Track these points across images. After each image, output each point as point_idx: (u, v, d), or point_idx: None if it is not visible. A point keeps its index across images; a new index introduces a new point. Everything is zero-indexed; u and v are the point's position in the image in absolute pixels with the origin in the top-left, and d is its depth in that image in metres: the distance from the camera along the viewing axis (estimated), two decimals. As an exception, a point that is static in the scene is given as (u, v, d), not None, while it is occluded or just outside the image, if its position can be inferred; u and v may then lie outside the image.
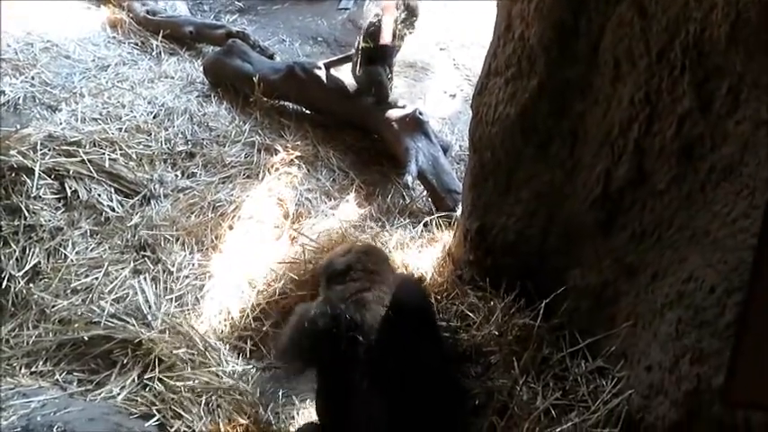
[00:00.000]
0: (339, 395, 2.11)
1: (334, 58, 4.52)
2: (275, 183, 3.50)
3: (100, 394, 2.42)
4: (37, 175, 3.07)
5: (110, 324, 2.64)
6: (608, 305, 2.02)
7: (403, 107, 3.90)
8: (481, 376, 2.22)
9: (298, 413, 2.51)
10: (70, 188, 3.15)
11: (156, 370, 2.47)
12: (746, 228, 1.50)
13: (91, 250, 3.00)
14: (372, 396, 2.02)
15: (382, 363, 2.03)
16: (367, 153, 3.99)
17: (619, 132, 1.88)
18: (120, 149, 3.44)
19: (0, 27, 4.24)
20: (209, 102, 4.12)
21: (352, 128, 4.09)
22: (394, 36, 3.96)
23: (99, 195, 3.20)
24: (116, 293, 2.81)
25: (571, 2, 1.96)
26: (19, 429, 2.09)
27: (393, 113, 3.83)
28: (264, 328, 2.80)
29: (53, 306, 2.71)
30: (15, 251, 2.87)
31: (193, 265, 3.02)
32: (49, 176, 3.14)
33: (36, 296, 2.74)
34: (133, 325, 2.64)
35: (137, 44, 4.74)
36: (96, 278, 2.86)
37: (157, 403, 2.36)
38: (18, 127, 3.44)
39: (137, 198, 3.29)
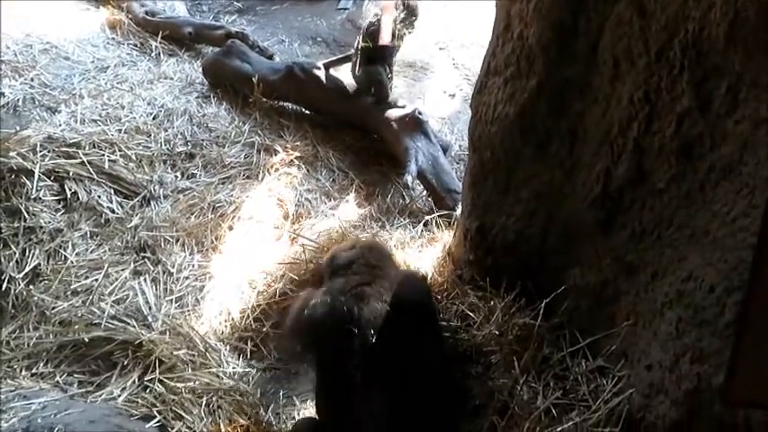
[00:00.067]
0: (337, 388, 2.12)
1: (334, 58, 4.52)
2: (275, 183, 3.50)
3: (100, 396, 2.42)
4: (36, 176, 3.07)
5: (110, 325, 2.64)
6: (608, 304, 2.02)
7: (403, 107, 3.90)
8: (482, 376, 2.22)
9: (298, 414, 2.51)
10: (70, 190, 3.15)
11: (157, 371, 2.47)
12: (746, 227, 1.50)
13: (91, 252, 3.01)
14: (371, 391, 2.03)
15: (382, 358, 2.04)
16: (366, 153, 3.99)
17: (618, 131, 1.88)
18: (120, 151, 3.44)
19: (0, 28, 4.24)
20: (209, 102, 4.12)
21: (351, 128, 4.09)
22: (393, 36, 3.96)
23: (99, 197, 3.20)
24: (116, 295, 2.81)
25: (570, 1, 1.96)
26: (19, 431, 2.09)
27: (392, 113, 3.83)
28: (265, 329, 2.80)
29: (53, 308, 2.71)
30: (15, 253, 2.87)
31: (193, 266, 3.03)
32: (49, 178, 3.14)
33: (36, 298, 2.74)
34: (133, 326, 2.64)
35: (136, 45, 4.74)
36: (96, 280, 2.86)
37: (158, 405, 2.36)
38: (17, 129, 3.45)
39: (136, 199, 3.29)
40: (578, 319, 2.12)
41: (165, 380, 2.45)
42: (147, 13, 4.90)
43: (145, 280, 2.91)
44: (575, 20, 1.97)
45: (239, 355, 2.68)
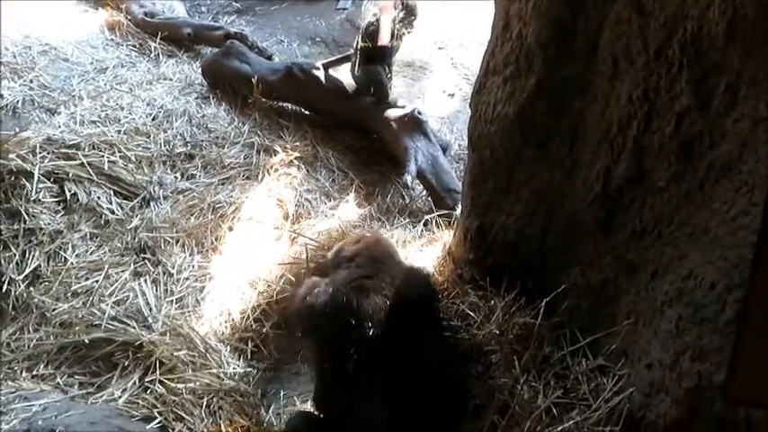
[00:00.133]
0: (335, 380, 2.14)
1: (333, 58, 4.53)
2: (275, 184, 3.50)
3: (101, 397, 2.42)
4: (36, 178, 3.07)
5: (110, 327, 2.64)
6: (608, 303, 2.02)
7: (402, 107, 3.90)
8: (482, 375, 2.22)
9: (299, 414, 2.51)
10: (69, 191, 3.15)
11: (157, 372, 2.47)
12: (746, 225, 1.50)
13: (91, 253, 3.00)
14: (370, 385, 2.05)
15: (382, 351, 2.06)
16: (366, 153, 3.99)
17: (618, 130, 1.88)
18: (120, 152, 3.44)
19: (0, 30, 4.24)
20: (208, 103, 4.12)
21: (351, 128, 4.09)
22: (392, 35, 3.96)
23: (98, 198, 3.20)
24: (116, 296, 2.81)
25: (569, 0, 1.96)
26: (20, 433, 2.10)
27: (392, 113, 3.83)
28: (265, 330, 2.80)
29: (53, 309, 2.71)
30: (15, 255, 2.87)
31: (193, 266, 3.02)
32: (49, 180, 3.14)
33: (36, 300, 2.74)
34: (134, 327, 2.64)
35: (135, 46, 4.74)
36: (96, 281, 2.86)
37: (159, 406, 2.36)
38: (17, 130, 3.44)
39: (136, 200, 3.29)
40: (579, 318, 2.12)
41: (166, 381, 2.44)
42: (146, 14, 4.90)
43: (145, 281, 2.91)
44: (574, 18, 1.97)
45: (240, 355, 2.68)
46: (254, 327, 2.80)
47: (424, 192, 3.64)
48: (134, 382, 2.47)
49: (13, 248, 2.89)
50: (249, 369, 2.61)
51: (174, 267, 2.99)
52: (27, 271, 2.84)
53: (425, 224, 3.26)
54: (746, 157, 1.52)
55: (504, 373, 2.15)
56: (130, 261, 3.00)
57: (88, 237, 3.07)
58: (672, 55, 1.68)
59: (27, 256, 2.89)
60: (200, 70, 4.41)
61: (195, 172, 3.57)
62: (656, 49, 1.72)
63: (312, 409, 2.33)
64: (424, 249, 3.03)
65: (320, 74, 4.07)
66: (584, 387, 1.97)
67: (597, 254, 2.04)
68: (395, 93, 4.18)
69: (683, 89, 1.67)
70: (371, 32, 3.92)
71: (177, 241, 3.12)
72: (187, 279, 2.96)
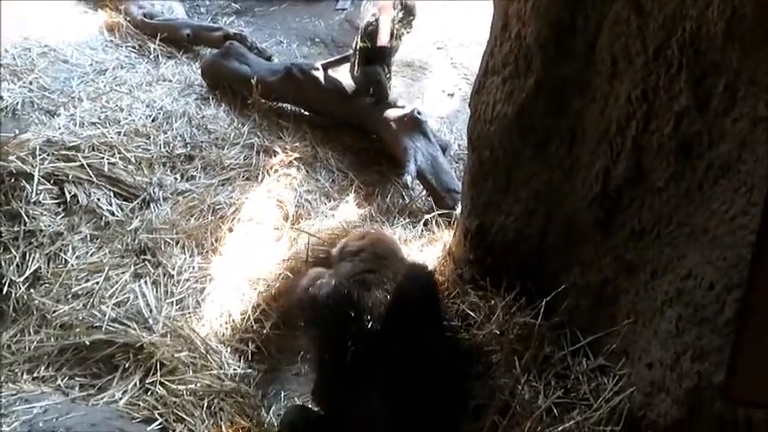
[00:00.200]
0: (334, 373, 2.17)
1: (332, 58, 4.52)
2: (274, 184, 3.50)
3: (102, 399, 2.42)
4: (36, 180, 3.08)
5: (111, 328, 2.64)
6: (608, 303, 2.02)
7: (402, 107, 3.90)
8: (483, 375, 2.23)
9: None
10: (69, 193, 3.16)
11: (158, 374, 2.48)
12: (745, 225, 1.50)
13: (91, 255, 3.01)
14: (370, 380, 2.07)
15: (383, 346, 2.08)
16: (366, 153, 3.99)
17: (617, 130, 1.88)
18: (119, 153, 3.45)
19: (0, 32, 4.24)
20: (208, 104, 4.12)
21: (350, 128, 4.09)
22: (392, 36, 3.96)
23: (98, 200, 3.20)
24: (117, 298, 2.81)
25: (568, 0, 1.96)
26: (21, 435, 2.10)
27: (391, 113, 3.83)
28: (265, 331, 2.80)
29: (54, 311, 2.71)
30: (16, 257, 2.87)
31: (194, 268, 3.03)
32: (49, 181, 3.15)
33: (37, 301, 2.75)
34: (134, 329, 2.64)
35: (134, 48, 4.74)
36: (97, 283, 2.86)
37: (159, 407, 2.37)
38: (17, 132, 3.44)
39: (136, 202, 3.29)
40: (579, 318, 2.12)
41: (167, 382, 2.45)
42: (145, 15, 4.90)
43: (145, 282, 2.91)
44: (573, 18, 1.97)
45: (240, 356, 2.68)
46: (254, 327, 2.80)
47: (424, 192, 3.64)
48: (135, 384, 2.48)
49: (13, 250, 2.89)
50: (250, 370, 2.61)
51: (174, 269, 2.99)
52: (27, 273, 2.84)
53: (425, 224, 3.26)
54: (745, 157, 1.52)
55: (505, 373, 2.15)
56: (131, 263, 3.01)
57: (88, 238, 3.07)
58: (671, 55, 1.68)
59: (27, 257, 2.90)
60: (199, 71, 4.41)
61: (195, 173, 3.58)
62: (655, 49, 1.72)
63: (311, 404, 2.33)
64: (425, 249, 3.03)
65: (319, 74, 4.07)
66: (585, 387, 1.97)
67: (596, 254, 2.04)
68: (394, 93, 4.18)
69: (682, 89, 1.67)
70: (370, 32, 3.92)
71: (177, 242, 3.13)
72: (187, 280, 2.96)
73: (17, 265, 2.86)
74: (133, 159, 3.47)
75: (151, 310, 2.78)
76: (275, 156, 3.71)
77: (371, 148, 4.01)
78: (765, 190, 1.38)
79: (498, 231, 2.42)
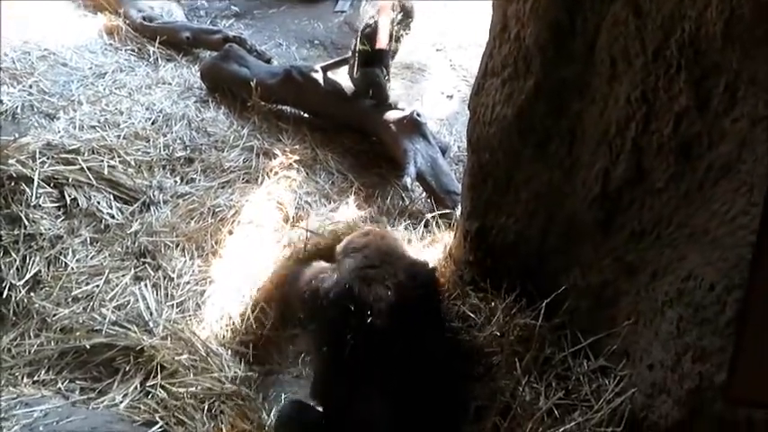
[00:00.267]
0: (334, 367, 2.19)
1: (331, 60, 4.52)
2: (274, 187, 3.49)
3: (102, 402, 2.42)
4: (36, 183, 3.07)
5: (111, 332, 2.64)
6: (609, 304, 2.02)
7: (402, 110, 3.90)
8: (483, 377, 2.23)
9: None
10: (69, 196, 3.15)
11: (159, 377, 2.47)
12: (745, 225, 1.50)
13: (91, 258, 3.00)
14: (370, 377, 2.09)
15: (382, 342, 2.10)
16: (365, 156, 3.98)
17: (616, 131, 1.88)
18: (119, 156, 3.44)
19: (0, 35, 4.24)
20: (207, 107, 4.11)
21: (350, 131, 4.08)
22: (390, 37, 3.96)
23: (98, 203, 3.20)
24: (117, 301, 2.81)
25: (566, 2, 1.96)
26: (22, 439, 2.10)
27: (391, 115, 3.82)
28: (266, 331, 2.80)
29: (54, 315, 2.71)
30: (16, 260, 2.87)
31: (194, 270, 3.02)
32: (49, 185, 3.14)
33: (37, 305, 2.74)
34: (135, 332, 2.64)
35: (134, 51, 4.73)
36: (97, 286, 2.86)
37: (160, 410, 2.37)
38: (16, 136, 3.44)
39: (136, 205, 3.28)
40: (579, 320, 2.12)
41: (167, 385, 2.45)
42: (144, 18, 4.90)
43: (145, 285, 2.91)
44: (571, 20, 1.97)
45: (241, 359, 2.68)
46: (254, 327, 2.79)
47: (424, 194, 3.64)
48: (135, 387, 2.48)
49: (13, 254, 2.89)
50: (250, 373, 2.61)
51: (174, 271, 2.99)
52: (27, 276, 2.84)
53: (426, 225, 3.26)
54: (745, 157, 1.53)
55: (506, 374, 2.15)
56: (131, 265, 3.00)
57: (88, 241, 3.07)
58: (670, 56, 1.68)
59: (27, 261, 2.90)
60: (198, 74, 4.40)
61: (195, 176, 3.57)
62: (654, 50, 1.72)
63: (308, 399, 2.33)
64: (425, 251, 3.02)
65: (319, 77, 4.06)
66: (586, 388, 1.97)
67: (597, 255, 2.04)
68: (393, 95, 4.17)
69: (682, 90, 1.67)
70: (369, 34, 3.92)
71: (177, 245, 3.12)
72: (187, 283, 2.95)
73: (17, 269, 2.85)
74: (133, 162, 3.46)
75: (151, 313, 2.77)
76: (275, 158, 3.70)
77: (371, 150, 4.01)
78: (765, 190, 1.38)
79: (498, 233, 2.43)
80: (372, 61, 3.92)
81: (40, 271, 2.88)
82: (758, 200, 1.45)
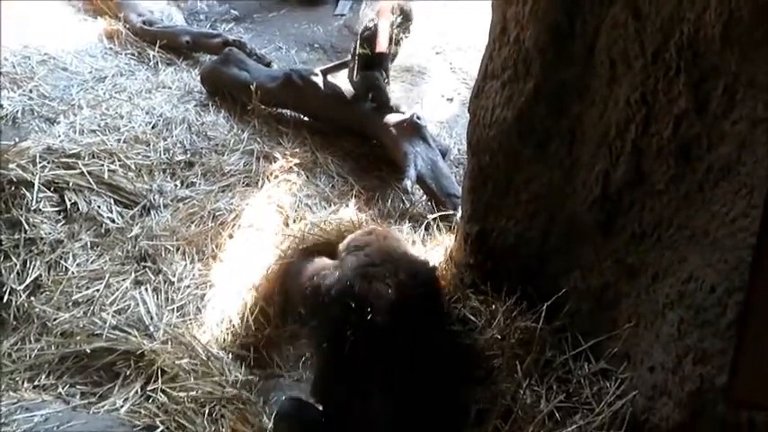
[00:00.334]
0: (334, 364, 2.20)
1: (331, 64, 4.52)
2: (274, 190, 3.50)
3: (103, 407, 2.42)
4: (36, 188, 3.08)
5: (112, 336, 2.64)
6: (609, 306, 2.02)
7: (403, 113, 3.90)
8: (484, 380, 2.22)
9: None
10: (70, 200, 3.16)
11: (159, 381, 2.47)
12: (745, 227, 1.50)
13: (92, 262, 3.01)
14: (371, 374, 2.09)
15: (382, 340, 2.11)
16: (366, 159, 3.99)
17: (616, 133, 1.88)
18: (119, 160, 3.45)
19: (0, 39, 4.25)
20: (207, 111, 4.12)
21: (350, 134, 4.09)
22: (390, 40, 3.96)
23: (99, 207, 3.21)
24: (117, 305, 2.81)
25: (565, 4, 1.97)
26: (22, 444, 2.10)
27: (391, 119, 3.83)
28: (266, 332, 2.79)
29: (55, 319, 2.72)
30: (16, 265, 2.87)
31: (194, 274, 3.02)
32: (49, 189, 3.15)
33: (37, 309, 2.75)
34: (135, 336, 2.64)
35: (134, 55, 4.75)
36: (97, 290, 2.86)
37: (161, 415, 2.36)
38: (17, 140, 3.45)
39: (136, 209, 3.29)
40: (580, 322, 2.12)
41: (168, 389, 2.44)
42: (144, 22, 4.91)
43: (146, 289, 2.91)
44: (571, 22, 1.97)
45: (241, 363, 2.68)
46: (253, 329, 2.79)
47: (425, 197, 3.64)
48: (136, 392, 2.48)
49: (13, 258, 2.89)
50: (251, 376, 2.60)
51: (174, 275, 2.99)
52: (28, 281, 2.84)
53: (426, 228, 3.26)
54: (745, 159, 1.52)
55: (507, 377, 2.14)
56: (131, 270, 3.01)
57: (89, 246, 3.07)
58: (669, 58, 1.68)
59: (28, 265, 2.90)
60: (198, 78, 4.41)
61: (195, 179, 3.58)
62: (654, 52, 1.72)
63: (309, 398, 2.33)
64: (426, 254, 3.02)
65: (319, 80, 4.07)
66: (587, 391, 1.97)
67: (597, 257, 2.03)
68: (394, 98, 4.18)
69: (681, 92, 1.67)
70: (368, 37, 3.92)
71: (178, 249, 3.12)
72: (188, 287, 2.96)
73: (18, 273, 2.86)
74: (133, 166, 3.47)
75: (152, 317, 2.78)
76: (275, 162, 3.71)
77: (371, 153, 4.01)
78: (765, 191, 1.38)
79: (499, 235, 2.42)
80: (372, 64, 3.93)
81: (40, 275, 2.88)
82: (758, 202, 1.45)
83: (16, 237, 2.95)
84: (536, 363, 2.12)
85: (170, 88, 4.34)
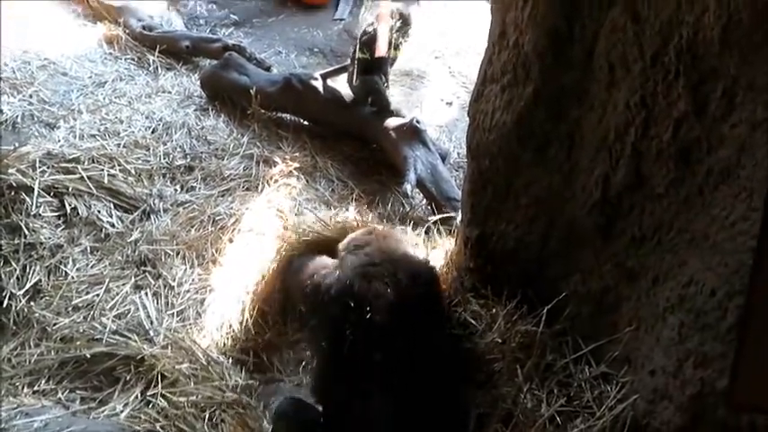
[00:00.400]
0: (334, 363, 2.20)
1: (331, 68, 4.53)
2: (274, 194, 3.50)
3: (103, 412, 2.42)
4: (36, 192, 3.08)
5: (112, 341, 2.64)
6: (609, 310, 2.01)
7: (403, 117, 3.91)
8: (485, 384, 2.22)
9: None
10: (70, 205, 3.16)
11: (159, 386, 2.47)
12: (745, 230, 1.49)
13: (91, 267, 3.01)
14: (370, 375, 2.09)
15: (382, 339, 2.11)
16: (365, 163, 3.99)
17: (615, 137, 1.88)
18: (119, 165, 3.45)
19: (0, 44, 4.26)
20: (207, 115, 4.13)
21: (350, 138, 4.09)
22: (389, 45, 3.97)
23: (98, 212, 3.21)
24: (117, 310, 2.81)
25: (564, 8, 1.97)
26: (22, 449, 2.09)
27: (390, 123, 3.83)
28: (266, 334, 2.79)
29: (55, 324, 2.71)
30: (16, 270, 2.87)
31: (194, 279, 3.02)
32: (49, 194, 3.15)
33: (37, 314, 2.74)
34: (135, 341, 2.64)
35: (133, 60, 4.75)
36: (97, 295, 2.86)
37: (161, 419, 2.36)
38: (17, 145, 3.45)
39: (136, 213, 3.29)
40: (580, 326, 2.12)
41: (168, 394, 2.44)
42: (143, 27, 4.92)
43: (146, 294, 2.91)
44: (569, 27, 1.98)
45: (241, 367, 2.67)
46: (253, 332, 2.78)
47: (424, 201, 3.64)
48: (136, 397, 2.47)
49: (13, 263, 2.89)
50: (251, 381, 2.60)
51: (174, 280, 2.99)
52: (28, 286, 2.84)
53: (427, 231, 3.26)
54: (745, 162, 1.52)
55: (507, 381, 2.14)
56: (131, 274, 3.01)
57: (89, 250, 3.07)
58: (668, 61, 1.68)
59: (28, 270, 2.90)
60: (198, 82, 4.42)
61: (195, 184, 3.58)
62: (653, 55, 1.72)
63: (308, 397, 2.33)
64: (426, 257, 3.02)
65: (318, 84, 4.08)
66: (588, 395, 1.96)
67: (597, 261, 2.03)
68: (393, 102, 4.18)
69: (680, 95, 1.67)
70: (367, 41, 3.93)
71: (178, 254, 3.12)
72: (188, 291, 2.96)
73: (17, 278, 2.85)
74: (133, 171, 3.47)
75: (152, 322, 2.77)
76: (275, 166, 3.71)
77: (371, 157, 4.02)
78: (765, 194, 1.38)
79: (498, 239, 2.42)
80: (372, 69, 3.93)
81: (40, 280, 2.88)
82: (758, 205, 1.45)
83: (16, 242, 2.95)
84: (537, 367, 2.12)
85: (170, 93, 4.34)
